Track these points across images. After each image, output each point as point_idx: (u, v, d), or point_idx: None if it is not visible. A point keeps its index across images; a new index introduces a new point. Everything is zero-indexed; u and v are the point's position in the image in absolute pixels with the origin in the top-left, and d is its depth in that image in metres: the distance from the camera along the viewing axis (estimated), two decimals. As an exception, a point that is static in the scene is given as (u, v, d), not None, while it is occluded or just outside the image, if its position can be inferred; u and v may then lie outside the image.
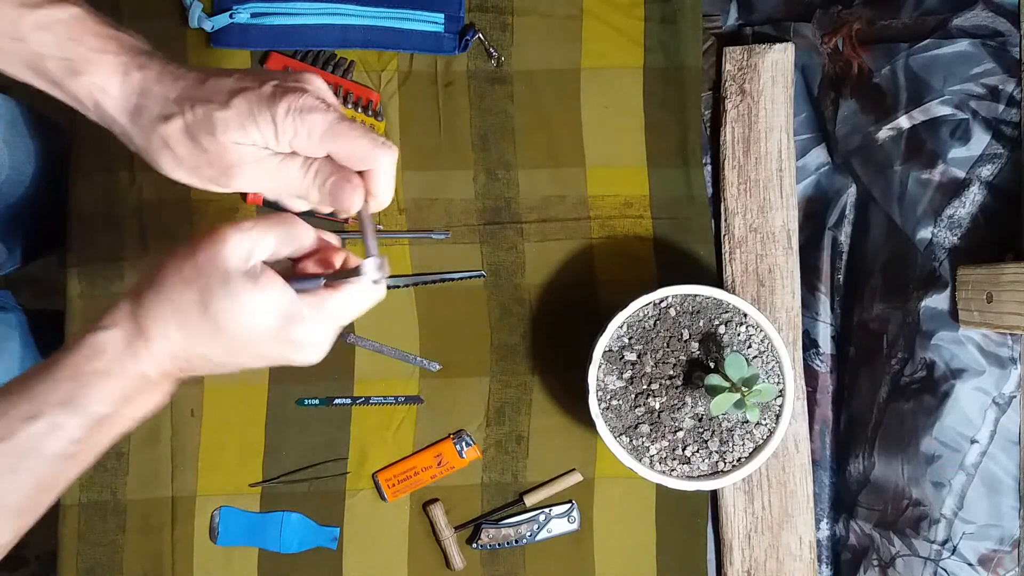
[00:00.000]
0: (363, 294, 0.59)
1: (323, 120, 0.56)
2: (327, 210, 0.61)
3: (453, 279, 0.86)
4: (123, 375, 0.55)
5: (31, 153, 0.88)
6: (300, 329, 0.57)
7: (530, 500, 0.85)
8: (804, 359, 0.87)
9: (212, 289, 0.54)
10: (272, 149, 0.57)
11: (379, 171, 0.58)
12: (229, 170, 0.57)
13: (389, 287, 0.86)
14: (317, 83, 0.59)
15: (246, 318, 0.55)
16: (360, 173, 0.58)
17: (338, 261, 0.61)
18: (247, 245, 0.55)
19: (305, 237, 0.59)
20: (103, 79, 0.58)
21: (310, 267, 0.60)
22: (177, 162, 0.58)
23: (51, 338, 0.96)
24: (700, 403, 0.77)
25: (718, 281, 0.87)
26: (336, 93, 0.84)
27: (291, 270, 0.59)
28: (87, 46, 0.58)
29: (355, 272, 0.58)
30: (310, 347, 0.58)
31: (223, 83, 0.57)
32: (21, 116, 0.87)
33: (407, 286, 0.85)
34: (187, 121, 0.56)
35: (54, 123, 0.95)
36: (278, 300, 0.56)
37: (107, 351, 0.55)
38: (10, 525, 0.55)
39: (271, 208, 0.84)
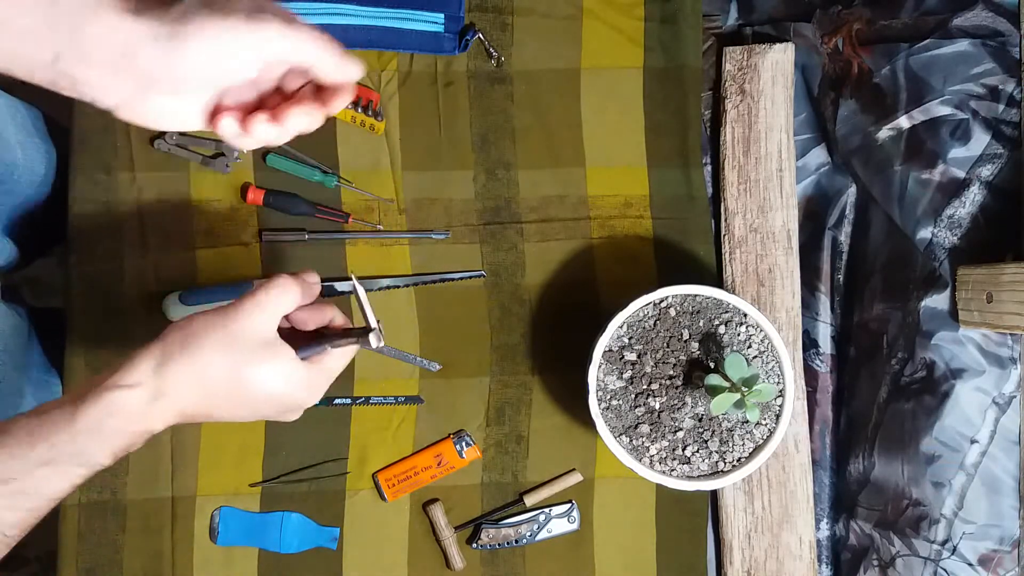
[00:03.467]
0: (350, 355, 0.65)
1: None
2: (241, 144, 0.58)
3: (453, 279, 0.86)
4: (136, 434, 0.58)
5: (42, 155, 0.89)
6: (302, 395, 0.62)
7: (530, 500, 0.85)
8: (804, 359, 0.87)
9: (243, 357, 0.59)
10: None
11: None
12: (170, 85, 0.53)
13: (388, 287, 0.87)
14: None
15: (264, 385, 0.60)
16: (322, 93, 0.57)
17: (327, 316, 0.66)
18: (278, 311, 0.60)
19: (316, 290, 0.64)
20: None
21: (309, 322, 0.65)
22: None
23: (54, 336, 0.96)
24: (700, 403, 0.77)
25: (718, 281, 0.87)
26: (336, 93, 0.84)
27: (291, 333, 0.64)
28: None
29: (360, 339, 0.64)
30: (305, 406, 0.64)
31: None
32: (31, 120, 0.88)
33: (407, 286, 0.85)
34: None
35: (63, 128, 0.95)
36: (291, 371, 0.61)
37: (127, 411, 0.57)
38: None
39: (271, 209, 0.84)
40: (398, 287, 0.85)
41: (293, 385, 0.61)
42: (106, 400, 0.57)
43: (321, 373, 0.63)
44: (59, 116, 0.93)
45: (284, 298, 0.61)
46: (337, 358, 0.64)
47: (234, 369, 0.59)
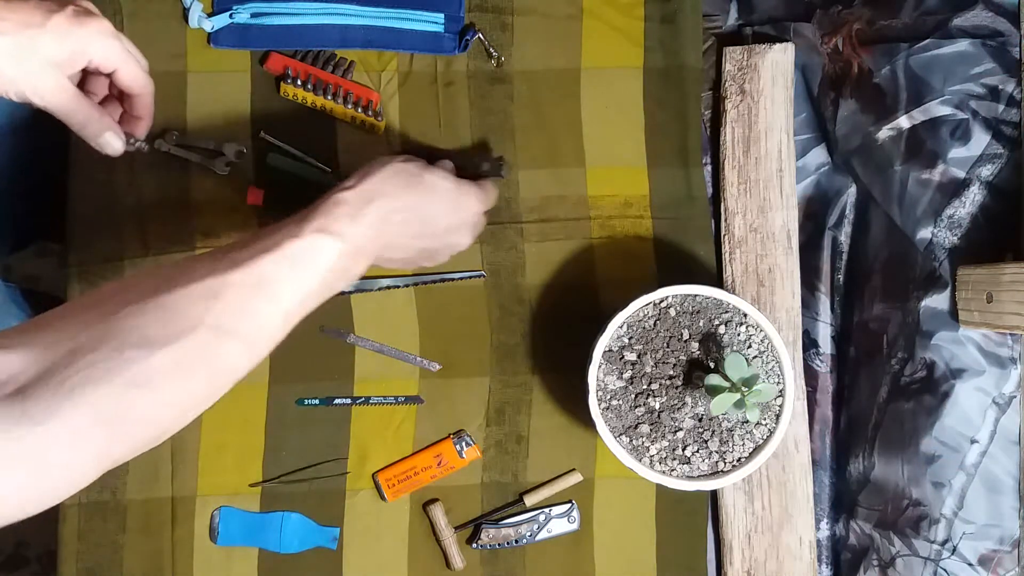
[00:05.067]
0: (495, 191, 0.81)
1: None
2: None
3: (453, 279, 0.86)
4: (362, 222, 0.66)
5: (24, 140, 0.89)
6: (466, 197, 0.75)
7: (530, 500, 0.85)
8: (804, 359, 0.87)
9: (425, 169, 0.73)
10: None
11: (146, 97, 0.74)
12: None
13: (388, 287, 0.87)
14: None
15: (439, 194, 0.73)
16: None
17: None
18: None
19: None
20: None
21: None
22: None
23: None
24: (700, 403, 0.77)
25: (718, 281, 0.87)
26: (336, 93, 0.84)
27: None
28: None
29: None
30: (473, 219, 0.77)
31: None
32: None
33: (407, 286, 0.85)
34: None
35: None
36: (451, 181, 0.75)
37: (350, 201, 0.66)
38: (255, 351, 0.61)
39: (271, 208, 0.84)
40: (398, 287, 0.85)
41: (457, 187, 0.75)
42: (329, 198, 0.66)
43: (477, 194, 0.77)
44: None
45: (480, 193, 0.78)
46: (487, 185, 0.79)
47: (412, 180, 0.72)
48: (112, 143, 0.72)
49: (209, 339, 0.56)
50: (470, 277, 0.86)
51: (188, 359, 0.55)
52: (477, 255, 0.86)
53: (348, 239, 0.64)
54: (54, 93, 0.68)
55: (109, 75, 0.71)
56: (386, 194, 0.69)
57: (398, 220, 0.69)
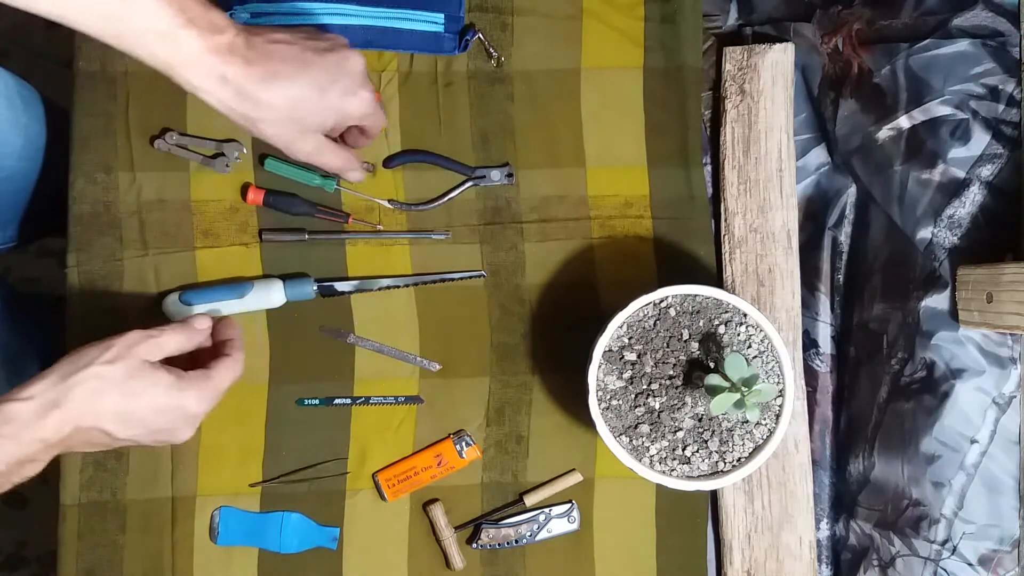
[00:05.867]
0: (236, 366, 0.74)
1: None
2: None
3: (453, 279, 0.86)
4: (30, 441, 0.64)
5: (19, 128, 0.89)
6: (190, 402, 0.70)
7: (530, 500, 0.85)
8: (804, 359, 0.87)
9: (131, 370, 0.67)
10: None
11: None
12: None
13: (388, 287, 0.87)
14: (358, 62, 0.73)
15: (148, 396, 0.68)
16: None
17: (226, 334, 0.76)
18: (163, 351, 0.70)
19: (201, 336, 0.75)
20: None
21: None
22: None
23: (32, 320, 0.98)
24: (700, 403, 0.77)
25: (718, 281, 0.87)
26: (336, 93, 0.84)
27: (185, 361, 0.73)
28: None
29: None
30: (194, 414, 0.71)
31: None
32: (9, 91, 0.89)
33: (407, 286, 0.85)
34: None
35: (53, 103, 0.95)
36: (172, 381, 0.69)
37: (20, 418, 0.64)
38: None
39: (271, 209, 0.84)
40: (398, 287, 0.85)
41: (176, 395, 0.69)
42: (2, 410, 0.63)
43: (207, 380, 0.71)
44: (58, 98, 0.93)
45: (170, 343, 0.71)
46: (221, 369, 0.72)
47: (122, 384, 0.67)
48: (357, 177, 0.80)
49: None
50: (470, 277, 0.86)
51: None
52: (477, 255, 0.86)
53: (4, 461, 0.63)
54: (312, 156, 0.74)
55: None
56: (72, 409, 0.65)
57: (83, 433, 0.67)
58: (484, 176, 0.85)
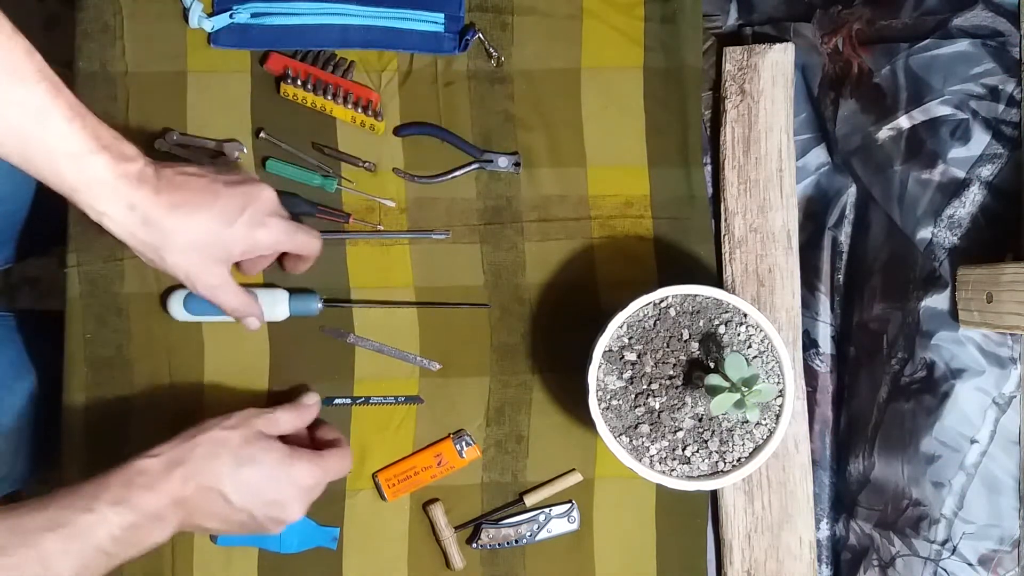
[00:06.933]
0: (346, 455, 0.78)
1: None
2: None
3: (459, 307, 0.85)
4: (160, 492, 0.66)
5: None
6: (296, 468, 0.73)
7: (530, 500, 0.85)
8: (804, 359, 0.87)
9: (248, 438, 0.72)
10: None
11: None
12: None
13: (393, 305, 0.86)
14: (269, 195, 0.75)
15: (262, 459, 0.71)
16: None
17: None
18: (271, 425, 0.74)
19: (313, 412, 0.79)
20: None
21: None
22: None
23: (42, 341, 0.97)
24: (700, 403, 0.77)
25: (718, 281, 0.87)
26: (336, 93, 0.84)
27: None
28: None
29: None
30: (302, 489, 0.73)
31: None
32: None
33: (411, 306, 0.85)
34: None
35: None
36: (280, 448, 0.73)
37: (151, 471, 0.67)
38: None
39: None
40: (400, 307, 0.85)
41: (287, 465, 0.72)
42: (133, 465, 0.67)
43: (317, 457, 0.74)
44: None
45: (284, 419, 0.75)
46: (332, 453, 0.76)
47: (239, 448, 0.71)
48: (253, 325, 0.80)
49: None
50: (475, 306, 0.86)
51: None
52: (477, 255, 0.86)
53: (141, 510, 0.65)
54: (214, 291, 0.74)
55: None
56: (194, 467, 0.68)
57: (204, 494, 0.69)
58: (491, 160, 0.85)
